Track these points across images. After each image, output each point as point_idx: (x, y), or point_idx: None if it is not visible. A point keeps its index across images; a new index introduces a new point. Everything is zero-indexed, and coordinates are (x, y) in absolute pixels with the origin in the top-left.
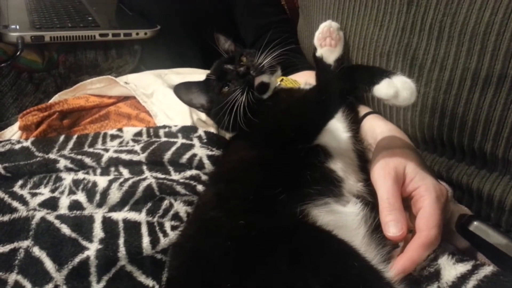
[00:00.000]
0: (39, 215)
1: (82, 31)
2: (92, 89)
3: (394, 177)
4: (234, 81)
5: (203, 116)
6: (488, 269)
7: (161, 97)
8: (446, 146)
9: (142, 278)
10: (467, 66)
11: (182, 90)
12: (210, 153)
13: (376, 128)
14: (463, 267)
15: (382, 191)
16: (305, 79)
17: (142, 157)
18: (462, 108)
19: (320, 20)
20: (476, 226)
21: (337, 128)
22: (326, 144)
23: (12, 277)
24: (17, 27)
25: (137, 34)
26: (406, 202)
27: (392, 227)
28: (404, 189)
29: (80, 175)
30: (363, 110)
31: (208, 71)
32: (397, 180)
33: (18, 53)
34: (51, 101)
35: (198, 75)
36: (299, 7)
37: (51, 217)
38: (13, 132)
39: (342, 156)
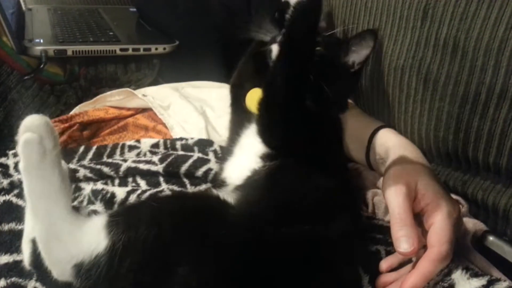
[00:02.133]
0: None
1: (103, 46)
2: (111, 101)
3: (405, 192)
4: None
5: (218, 128)
6: (504, 285)
7: (178, 110)
8: (461, 161)
9: None
10: (481, 81)
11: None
12: None
13: (388, 142)
14: (477, 282)
15: (393, 207)
16: None
17: (159, 167)
18: (477, 122)
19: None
20: (491, 241)
21: None
22: None
23: (31, 284)
24: (41, 41)
25: (156, 49)
26: (419, 218)
27: (404, 243)
28: (416, 205)
29: (99, 185)
30: (375, 123)
31: (225, 84)
32: (409, 195)
33: (42, 66)
34: (72, 112)
35: (215, 88)
36: None
37: None
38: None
39: None
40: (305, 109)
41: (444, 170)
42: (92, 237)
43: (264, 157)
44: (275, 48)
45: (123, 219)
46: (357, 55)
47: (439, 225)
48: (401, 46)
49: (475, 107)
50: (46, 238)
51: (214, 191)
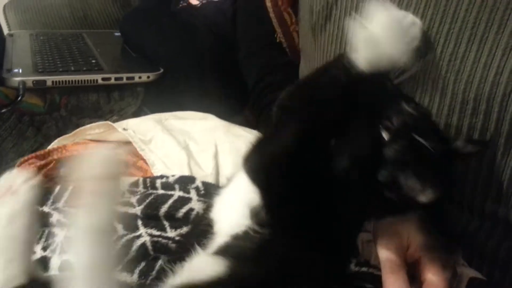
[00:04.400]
0: None
1: (85, 75)
2: (91, 134)
3: (397, 243)
4: None
5: (201, 163)
6: None
7: (159, 144)
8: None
9: None
10: (472, 126)
11: None
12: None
13: None
14: None
15: (384, 260)
16: None
17: (137, 210)
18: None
19: (320, 63)
20: None
21: None
22: None
23: None
24: (20, 70)
25: (140, 77)
26: (412, 268)
27: None
28: (410, 255)
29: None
30: None
31: (210, 115)
32: (401, 246)
33: (19, 98)
34: (50, 147)
35: (199, 120)
36: (301, 50)
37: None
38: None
39: None
40: None
41: None
42: None
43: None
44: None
45: None
46: None
47: (433, 279)
48: None
49: None
50: None
51: None
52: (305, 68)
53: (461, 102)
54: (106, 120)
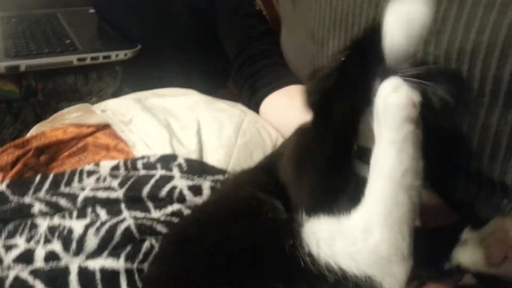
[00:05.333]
0: (12, 274)
1: (59, 57)
2: (70, 118)
3: None
4: None
5: (184, 141)
6: None
7: (139, 124)
8: None
9: None
10: None
11: None
12: (190, 183)
13: None
14: None
15: None
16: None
17: (119, 193)
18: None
19: (303, 33)
20: None
21: None
22: None
23: None
24: None
25: (117, 56)
26: None
27: None
28: None
29: (56, 220)
30: None
31: (191, 90)
32: None
33: None
34: (28, 134)
35: (181, 97)
36: (281, 17)
37: (24, 274)
38: None
39: None
40: None
41: None
42: None
43: None
44: None
45: None
46: None
47: None
48: None
49: None
50: None
51: None
52: (286, 36)
53: (444, 64)
54: (85, 102)
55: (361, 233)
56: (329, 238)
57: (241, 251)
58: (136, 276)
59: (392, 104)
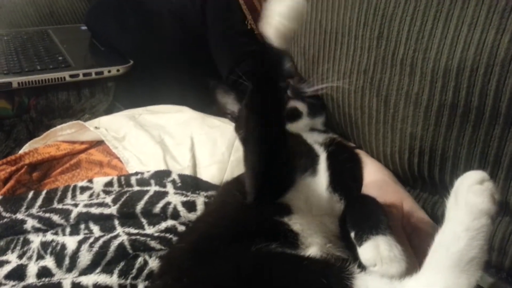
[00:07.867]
0: None
1: (52, 74)
2: (63, 135)
3: (394, 214)
4: None
5: (178, 157)
6: None
7: (133, 141)
8: (427, 183)
9: None
10: (443, 103)
11: (220, 91)
12: (184, 199)
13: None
14: None
15: None
16: None
17: (113, 209)
18: (441, 144)
19: (294, 53)
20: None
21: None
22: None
23: None
24: None
25: (109, 71)
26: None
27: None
28: (407, 224)
29: (49, 236)
30: None
31: (184, 107)
32: (397, 216)
33: None
34: (21, 151)
35: (174, 113)
36: None
37: None
38: None
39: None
40: None
41: (412, 191)
42: None
43: None
44: None
45: None
46: None
47: None
48: (358, 66)
49: (438, 129)
50: None
51: None
52: None
53: (431, 81)
54: (78, 119)
55: None
56: None
57: None
58: None
59: (477, 194)
